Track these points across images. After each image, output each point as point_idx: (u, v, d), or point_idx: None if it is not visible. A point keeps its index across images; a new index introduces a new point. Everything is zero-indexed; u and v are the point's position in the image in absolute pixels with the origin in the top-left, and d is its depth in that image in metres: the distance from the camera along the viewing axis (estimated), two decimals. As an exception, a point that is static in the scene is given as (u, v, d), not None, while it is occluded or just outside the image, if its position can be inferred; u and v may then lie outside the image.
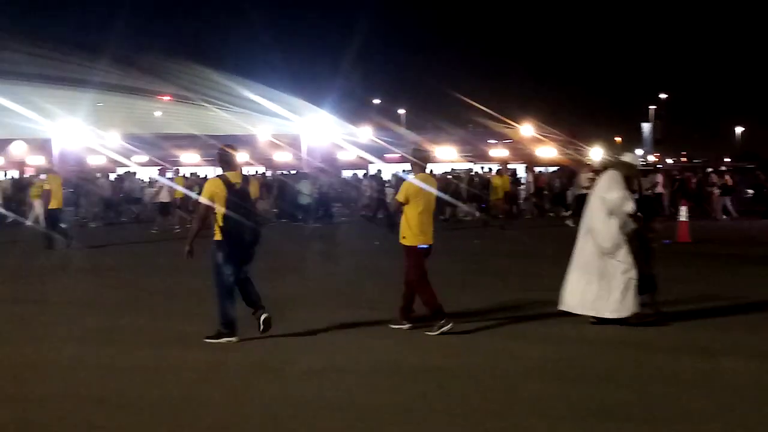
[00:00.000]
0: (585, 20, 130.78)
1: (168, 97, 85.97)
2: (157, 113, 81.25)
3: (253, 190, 7.96)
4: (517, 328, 9.21)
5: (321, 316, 9.43)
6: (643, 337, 8.61)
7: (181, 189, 25.00)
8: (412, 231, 8.82)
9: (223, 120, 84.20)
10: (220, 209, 8.05)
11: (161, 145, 55.88)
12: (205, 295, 9.18)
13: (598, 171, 28.89)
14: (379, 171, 33.99)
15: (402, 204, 8.86)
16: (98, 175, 36.35)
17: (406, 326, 9.02)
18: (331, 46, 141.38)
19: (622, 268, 9.03)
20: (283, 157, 54.13)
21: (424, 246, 8.88)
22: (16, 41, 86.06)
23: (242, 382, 6.93)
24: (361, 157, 52.69)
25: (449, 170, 35.83)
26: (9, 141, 56.77)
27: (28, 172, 29.05)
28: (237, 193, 8.11)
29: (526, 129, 58.11)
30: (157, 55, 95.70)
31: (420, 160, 9.23)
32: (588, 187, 24.48)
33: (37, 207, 21.58)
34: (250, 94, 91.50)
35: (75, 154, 50.36)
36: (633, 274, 9.05)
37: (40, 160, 52.10)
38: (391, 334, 8.81)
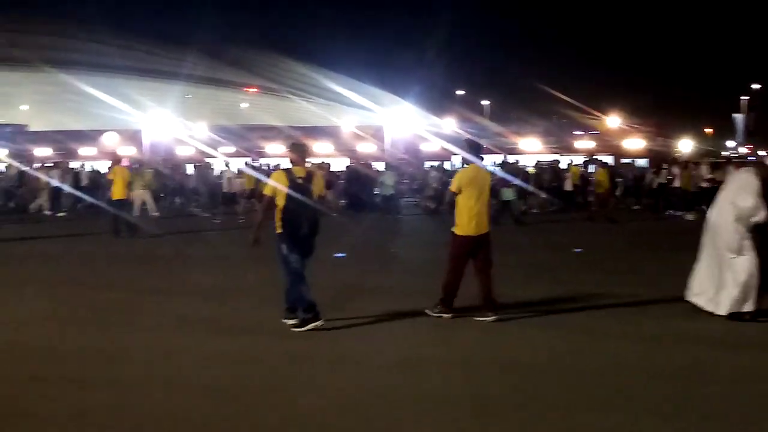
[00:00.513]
0: (675, 10, 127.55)
1: (254, 89, 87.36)
2: (244, 105, 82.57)
3: (318, 184, 8.25)
4: (593, 323, 9.04)
5: (400, 308, 9.40)
6: (747, 336, 8.36)
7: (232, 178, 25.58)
8: (463, 220, 8.91)
9: (307, 111, 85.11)
10: (281, 202, 8.30)
11: (247, 136, 56.70)
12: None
13: (686, 164, 28.26)
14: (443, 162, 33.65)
15: (455, 194, 8.93)
16: (185, 165, 37.25)
17: (491, 318, 8.95)
18: (416, 37, 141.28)
19: (745, 267, 8.83)
20: (366, 148, 54.38)
21: (475, 235, 8.92)
22: (110, 35, 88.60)
23: (327, 372, 7.00)
24: (444, 149, 52.61)
25: (535, 162, 35.20)
26: (102, 132, 58.37)
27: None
28: (298, 188, 8.31)
29: (613, 120, 57.09)
30: (243, 47, 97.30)
31: (471, 152, 9.25)
32: (712, 180, 23.91)
33: (145, 196, 22.50)
34: (334, 85, 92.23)
35: (164, 145, 51.53)
36: (756, 273, 8.82)
37: (131, 151, 53.52)
38: (472, 325, 8.76)
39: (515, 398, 6.30)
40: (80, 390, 6.36)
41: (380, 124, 56.33)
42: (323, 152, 52.90)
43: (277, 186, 8.33)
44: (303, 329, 8.36)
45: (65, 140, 56.60)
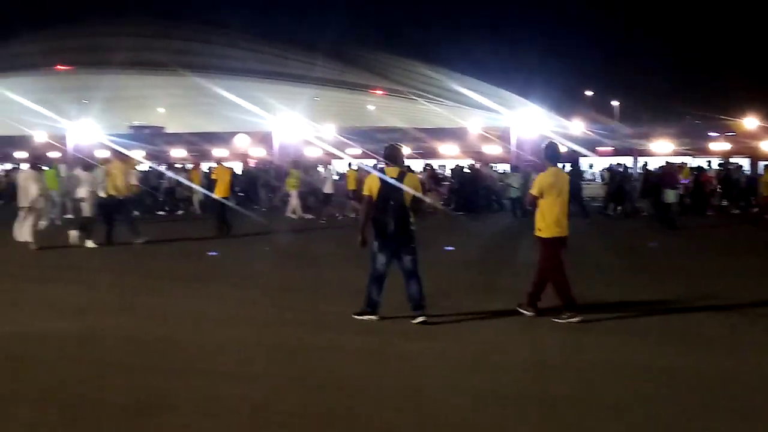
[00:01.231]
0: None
1: (380, 91, 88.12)
2: (370, 107, 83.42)
3: (413, 184, 8.61)
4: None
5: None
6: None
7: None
8: (546, 223, 9.00)
9: (433, 113, 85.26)
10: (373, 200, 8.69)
11: (374, 138, 57.26)
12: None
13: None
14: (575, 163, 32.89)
15: (536, 197, 9.05)
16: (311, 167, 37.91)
17: (530, 314, 9.04)
18: (544, 37, 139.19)
19: None
20: (492, 149, 54.03)
21: (559, 237, 9.03)
22: (243, 40, 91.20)
23: (452, 372, 6.98)
24: (572, 150, 51.74)
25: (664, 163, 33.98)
26: (234, 134, 60.17)
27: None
28: (389, 187, 8.62)
29: (750, 121, 54.69)
30: (370, 50, 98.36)
31: (550, 156, 9.31)
32: None
33: (294, 198, 24.39)
34: (460, 87, 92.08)
35: (293, 147, 52.63)
36: None
37: (261, 152, 54.91)
38: (572, 326, 8.62)
39: (639, 403, 6.12)
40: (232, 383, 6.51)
41: (506, 125, 55.81)
42: (449, 154, 52.93)
43: (371, 185, 8.72)
44: (358, 317, 8.80)
45: (199, 142, 58.55)
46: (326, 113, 73.35)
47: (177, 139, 61.31)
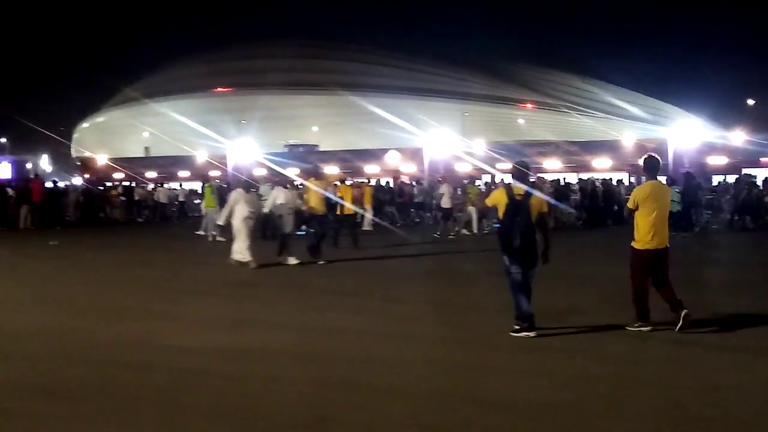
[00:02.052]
0: None
1: (530, 105, 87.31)
2: (520, 121, 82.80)
3: (538, 204, 8.96)
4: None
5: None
6: None
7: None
8: (640, 235, 9.09)
9: (584, 125, 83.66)
10: (500, 216, 8.99)
11: (524, 152, 56.74)
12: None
13: None
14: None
15: (632, 210, 9.16)
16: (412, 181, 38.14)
17: (646, 329, 8.97)
18: (703, 46, 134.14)
19: None
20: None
21: (651, 250, 9.03)
22: (393, 57, 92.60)
23: (611, 389, 6.77)
24: (732, 162, 49.52)
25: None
26: (385, 150, 61.02)
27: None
28: (516, 203, 8.84)
29: None
30: (519, 63, 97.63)
31: (650, 168, 9.36)
32: None
33: (472, 213, 24.63)
34: (613, 98, 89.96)
35: (444, 162, 52.79)
36: None
37: (412, 168, 55.38)
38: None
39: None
40: (382, 398, 6.57)
41: (663, 137, 54.03)
42: (601, 167, 51.75)
43: (498, 200, 9.01)
44: (516, 335, 8.73)
45: (352, 159, 59.65)
46: (476, 128, 73.29)
47: (330, 156, 62.62)
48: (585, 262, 16.82)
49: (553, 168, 52.14)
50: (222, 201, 22.64)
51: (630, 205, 9.25)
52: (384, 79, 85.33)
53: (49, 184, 32.54)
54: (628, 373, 7.44)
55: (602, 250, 19.76)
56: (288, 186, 17.82)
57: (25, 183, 32.73)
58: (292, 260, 16.05)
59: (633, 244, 9.20)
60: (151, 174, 60.45)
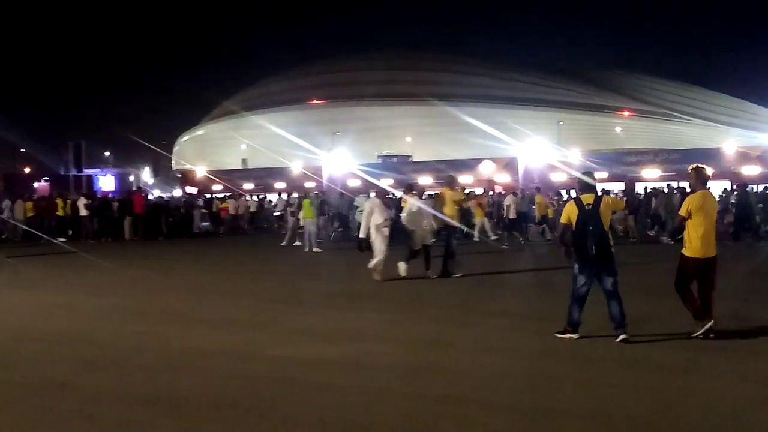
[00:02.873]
0: None
1: (627, 112, 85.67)
2: (618, 129, 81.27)
3: (609, 206, 9.42)
4: None
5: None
6: None
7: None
8: (692, 244, 9.33)
9: (684, 133, 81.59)
10: (572, 227, 9.31)
11: (622, 161, 55.71)
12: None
13: None
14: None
15: (684, 218, 9.42)
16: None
17: (702, 332, 9.14)
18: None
19: None
20: (750, 170, 50.63)
21: (699, 258, 9.29)
22: (486, 66, 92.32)
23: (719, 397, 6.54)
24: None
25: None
26: (479, 160, 60.74)
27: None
28: (586, 213, 9.20)
29: None
30: (615, 70, 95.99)
31: (700, 178, 9.59)
32: None
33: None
34: (713, 105, 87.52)
35: (539, 172, 52.26)
36: None
37: (506, 178, 55.01)
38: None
39: None
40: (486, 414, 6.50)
41: (766, 144, 52.28)
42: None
43: (570, 213, 9.38)
44: (560, 336, 9.26)
45: (445, 169, 59.56)
46: (572, 137, 72.35)
47: (424, 167, 62.72)
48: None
49: (651, 177, 50.97)
50: (321, 212, 23.00)
51: (682, 213, 9.50)
52: (477, 89, 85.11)
53: (151, 196, 33.49)
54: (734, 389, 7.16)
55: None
56: (419, 196, 16.68)
57: (127, 195, 33.83)
58: (430, 274, 15.39)
59: (684, 251, 9.44)
60: (248, 185, 61.61)
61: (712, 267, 9.39)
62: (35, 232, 27.33)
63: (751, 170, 50.39)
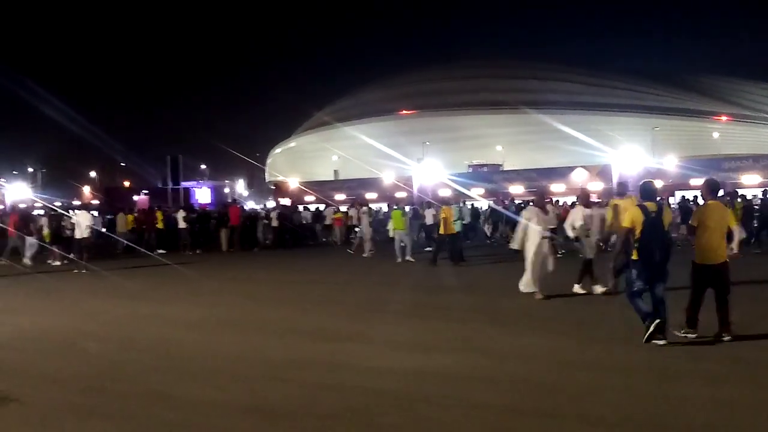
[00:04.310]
0: None
1: (726, 117, 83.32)
2: (715, 134, 79.06)
3: (669, 219, 9.86)
4: None
5: None
6: None
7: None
8: (700, 251, 9.67)
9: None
10: (637, 233, 9.53)
11: (720, 167, 54.20)
12: None
13: None
14: None
15: (694, 228, 9.79)
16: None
17: (691, 336, 9.61)
18: None
19: None
20: None
21: (707, 264, 9.62)
22: (576, 73, 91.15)
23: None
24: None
25: None
26: (571, 168, 59.97)
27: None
28: (652, 221, 9.50)
29: None
30: (710, 74, 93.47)
31: (711, 189, 10.07)
32: None
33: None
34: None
35: (634, 179, 51.25)
36: None
37: (599, 186, 54.13)
38: None
39: None
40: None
41: None
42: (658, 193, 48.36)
43: (635, 218, 9.59)
44: (647, 341, 9.32)
45: (536, 177, 59.07)
46: (667, 143, 70.80)
47: (514, 175, 62.31)
48: None
49: (751, 183, 49.44)
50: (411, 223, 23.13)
51: (693, 223, 9.92)
52: (568, 95, 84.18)
53: (246, 208, 34.07)
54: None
55: None
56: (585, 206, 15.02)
57: (223, 207, 34.57)
58: (598, 288, 14.05)
59: (695, 259, 9.77)
60: (339, 196, 62.26)
61: (723, 273, 9.69)
62: (134, 246, 28.23)
63: None
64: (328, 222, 34.58)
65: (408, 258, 22.80)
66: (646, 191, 10.00)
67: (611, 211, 14.26)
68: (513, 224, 29.89)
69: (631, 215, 9.75)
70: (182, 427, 6.71)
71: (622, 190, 15.27)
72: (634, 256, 9.65)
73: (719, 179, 42.18)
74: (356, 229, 28.39)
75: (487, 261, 23.26)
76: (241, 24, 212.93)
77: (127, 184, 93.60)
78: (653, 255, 9.45)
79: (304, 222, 34.68)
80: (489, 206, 36.39)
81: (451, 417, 6.83)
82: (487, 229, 33.61)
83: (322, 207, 39.39)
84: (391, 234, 24.17)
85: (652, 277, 9.54)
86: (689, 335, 9.64)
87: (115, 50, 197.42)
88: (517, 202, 37.04)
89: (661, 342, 9.25)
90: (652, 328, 9.27)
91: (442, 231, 21.64)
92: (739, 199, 25.96)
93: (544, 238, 14.04)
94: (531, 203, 15.76)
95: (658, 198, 10.45)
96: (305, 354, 9.52)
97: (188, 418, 6.90)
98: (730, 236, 9.81)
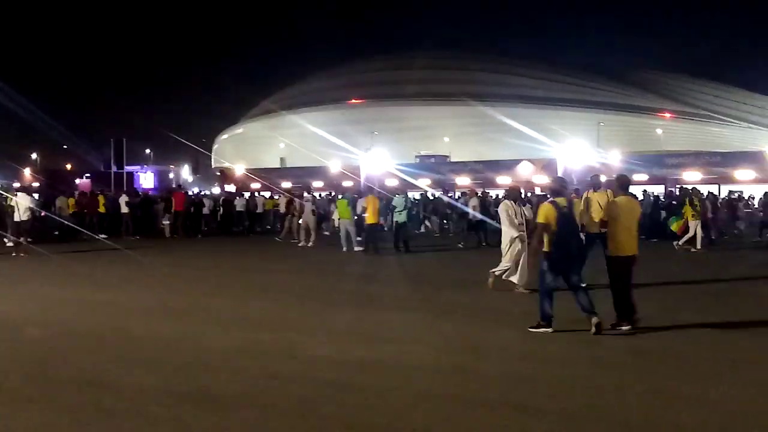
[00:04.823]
0: None
1: (669, 114, 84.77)
2: (659, 131, 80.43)
3: (578, 211, 10.76)
4: None
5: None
6: None
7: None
8: (613, 244, 10.22)
9: (726, 136, 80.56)
10: (552, 228, 9.89)
11: (662, 163, 55.13)
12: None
13: None
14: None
15: (605, 221, 10.44)
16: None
17: (626, 328, 9.92)
18: None
19: None
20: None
21: (622, 256, 10.13)
22: (525, 67, 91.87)
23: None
24: None
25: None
26: (517, 161, 60.38)
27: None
28: (564, 215, 9.98)
29: None
30: (655, 71, 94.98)
31: (621, 185, 10.70)
32: None
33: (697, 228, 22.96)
34: (756, 106, 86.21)
35: (578, 173, 51.89)
36: None
37: (544, 180, 54.67)
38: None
39: None
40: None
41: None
42: (745, 179, 49.55)
43: (549, 214, 9.93)
44: (535, 330, 9.84)
45: (482, 170, 59.42)
46: (612, 138, 71.78)
47: (461, 167, 62.61)
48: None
49: (692, 180, 50.34)
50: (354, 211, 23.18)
51: (604, 216, 10.65)
52: (516, 89, 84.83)
53: (191, 194, 33.59)
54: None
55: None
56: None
57: (167, 192, 34.10)
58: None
59: (608, 252, 10.36)
60: (286, 184, 61.93)
61: (632, 265, 10.24)
62: (78, 228, 27.68)
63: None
64: (260, 210, 34.02)
65: (356, 248, 22.77)
66: (557, 189, 10.46)
67: (583, 204, 14.30)
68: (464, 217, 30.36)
69: (544, 212, 10.06)
70: (120, 414, 6.61)
71: (596, 182, 15.01)
72: (546, 249, 10.00)
73: (662, 175, 43.31)
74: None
75: (431, 251, 23.39)
76: (187, 9, 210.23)
77: (69, 167, 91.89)
78: (570, 248, 9.97)
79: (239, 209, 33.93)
80: (432, 198, 36.62)
81: (393, 406, 6.85)
82: (433, 222, 33.65)
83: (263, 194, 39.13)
84: (336, 223, 24.07)
85: (567, 268, 9.95)
86: (623, 328, 9.91)
87: (59, 32, 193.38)
88: (495, 193, 36.78)
89: (595, 320, 9.60)
90: (541, 331, 9.80)
91: (368, 220, 22.18)
92: (706, 195, 26.93)
93: (516, 237, 13.67)
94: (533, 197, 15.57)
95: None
96: (247, 343, 9.46)
97: (127, 406, 6.81)
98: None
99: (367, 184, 24.80)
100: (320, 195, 38.94)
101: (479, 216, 24.23)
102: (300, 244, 24.73)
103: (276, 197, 35.80)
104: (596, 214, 13.60)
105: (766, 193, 32.17)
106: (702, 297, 13.43)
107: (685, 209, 22.88)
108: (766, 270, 17.79)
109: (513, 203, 14.09)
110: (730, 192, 26.11)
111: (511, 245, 13.77)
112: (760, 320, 11.16)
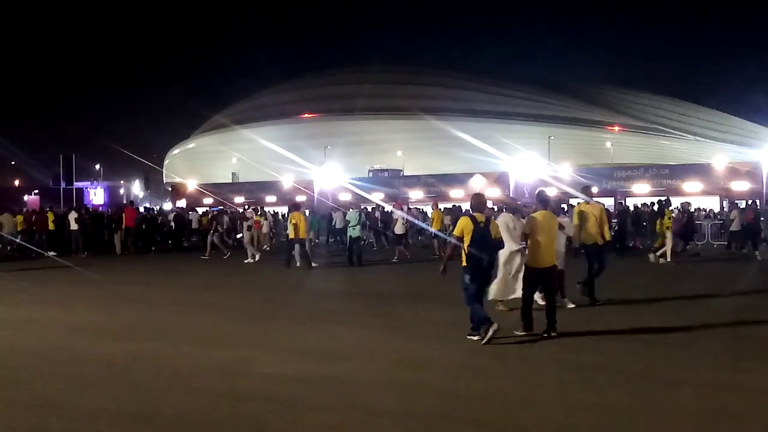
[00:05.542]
0: None
1: (618, 128, 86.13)
2: (608, 144, 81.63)
3: (496, 229, 10.50)
4: None
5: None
6: None
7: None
8: (531, 256, 10.80)
9: (674, 149, 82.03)
10: (467, 241, 10.17)
11: (611, 176, 55.93)
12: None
13: None
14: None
15: (527, 235, 10.81)
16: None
17: (521, 333, 10.56)
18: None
19: None
20: (740, 186, 50.84)
21: (540, 268, 10.69)
22: (476, 81, 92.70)
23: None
24: None
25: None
26: (470, 175, 60.79)
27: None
28: (480, 230, 10.23)
29: None
30: (604, 85, 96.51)
31: (541, 201, 11.13)
32: None
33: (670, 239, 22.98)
34: (703, 120, 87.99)
35: (530, 187, 52.41)
36: None
37: (496, 193, 55.10)
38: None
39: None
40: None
41: (756, 160, 52.59)
42: (693, 191, 50.46)
43: (465, 227, 10.22)
44: (485, 340, 9.97)
45: (436, 183, 59.70)
46: (562, 152, 72.65)
47: (414, 181, 62.85)
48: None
49: (641, 192, 51.12)
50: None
51: (525, 230, 10.99)
52: (468, 103, 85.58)
53: (142, 209, 33.25)
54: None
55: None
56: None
57: (118, 209, 33.69)
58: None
59: (526, 263, 10.96)
60: (239, 199, 61.55)
61: (552, 276, 10.87)
62: (27, 245, 27.21)
63: (740, 186, 50.63)
64: (195, 226, 33.77)
65: (312, 264, 22.68)
66: (476, 205, 10.73)
67: (577, 216, 14.12)
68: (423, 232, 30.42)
69: (461, 225, 10.35)
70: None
71: (587, 194, 14.77)
72: (464, 263, 10.28)
73: (612, 188, 43.79)
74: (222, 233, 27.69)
75: (384, 266, 23.41)
76: (137, 23, 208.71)
77: (17, 183, 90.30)
78: (482, 261, 10.22)
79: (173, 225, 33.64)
80: (376, 212, 36.63)
81: (348, 424, 6.83)
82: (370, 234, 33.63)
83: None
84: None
85: (480, 280, 10.34)
86: (518, 333, 10.54)
87: (6, 46, 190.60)
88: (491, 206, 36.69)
89: (476, 337, 10.14)
90: (490, 333, 9.96)
91: (291, 235, 22.40)
92: (676, 207, 27.44)
93: (516, 251, 12.93)
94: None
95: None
96: (200, 361, 9.37)
97: (77, 428, 6.72)
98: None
99: (294, 202, 24.83)
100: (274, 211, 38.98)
101: (400, 231, 25.35)
102: (247, 261, 24.62)
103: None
104: (593, 227, 13.96)
105: (742, 207, 32.01)
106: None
107: (662, 221, 23.27)
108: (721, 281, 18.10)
109: (512, 216, 13.37)
110: (687, 203, 26.48)
111: (509, 258, 12.97)
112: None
